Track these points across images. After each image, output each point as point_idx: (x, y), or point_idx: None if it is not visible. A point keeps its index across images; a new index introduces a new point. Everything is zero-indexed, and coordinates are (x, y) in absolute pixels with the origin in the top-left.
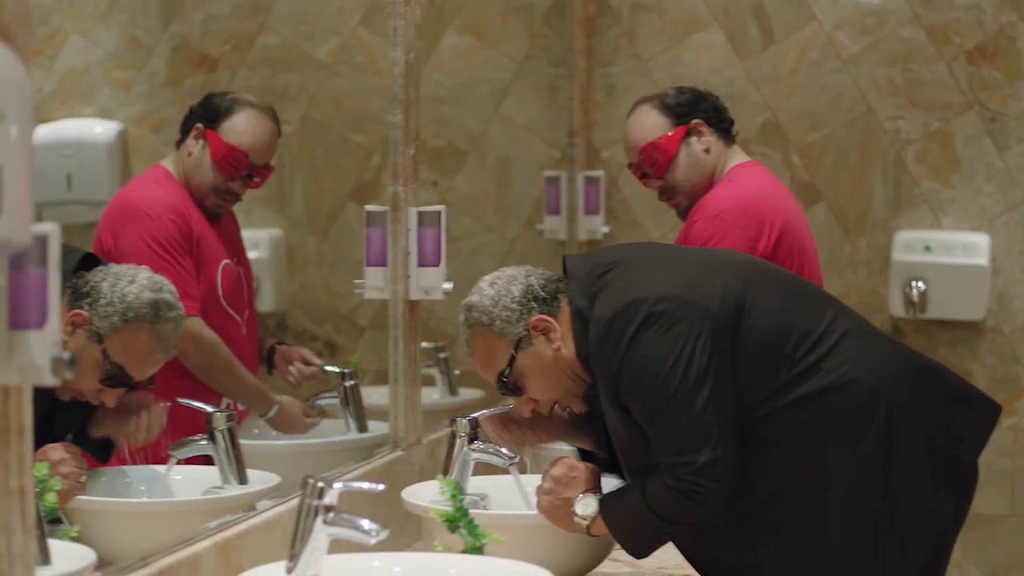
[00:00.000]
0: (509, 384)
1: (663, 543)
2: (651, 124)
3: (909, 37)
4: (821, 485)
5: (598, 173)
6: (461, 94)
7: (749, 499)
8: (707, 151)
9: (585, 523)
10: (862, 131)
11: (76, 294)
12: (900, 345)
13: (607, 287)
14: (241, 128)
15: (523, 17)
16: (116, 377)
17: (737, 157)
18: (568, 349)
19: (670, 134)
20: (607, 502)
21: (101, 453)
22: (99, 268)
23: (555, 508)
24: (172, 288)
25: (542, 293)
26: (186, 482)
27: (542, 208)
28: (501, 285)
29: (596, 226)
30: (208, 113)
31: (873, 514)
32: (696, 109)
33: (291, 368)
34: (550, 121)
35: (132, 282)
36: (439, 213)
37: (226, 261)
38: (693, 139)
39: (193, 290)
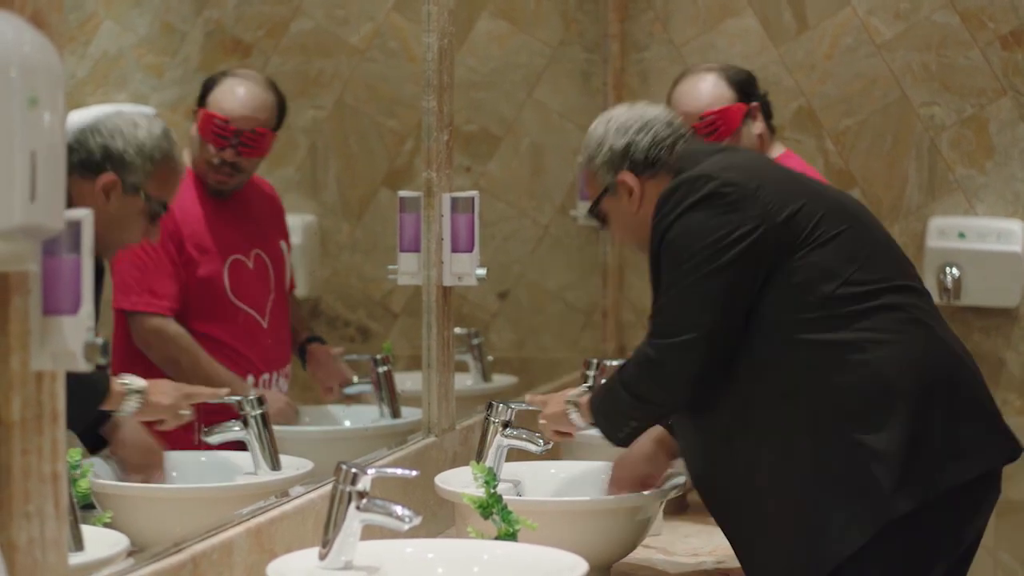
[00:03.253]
0: (596, 216)
1: (633, 428)
2: (718, 93)
3: (943, 22)
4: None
5: None
6: (494, 79)
7: (756, 412)
8: (760, 136)
9: (574, 408)
10: (896, 117)
11: (88, 164)
12: (944, 351)
13: (699, 163)
14: (220, 97)
15: (557, 2)
16: (158, 212)
17: (778, 148)
18: (647, 212)
19: (734, 108)
20: (593, 389)
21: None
22: (86, 132)
23: (556, 413)
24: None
25: (641, 156)
26: (219, 468)
27: (575, 194)
28: (612, 129)
29: None
30: (201, 94)
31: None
32: (756, 93)
33: (331, 387)
34: (584, 106)
35: (135, 126)
36: (472, 199)
37: (236, 256)
38: (750, 120)
39: (164, 288)
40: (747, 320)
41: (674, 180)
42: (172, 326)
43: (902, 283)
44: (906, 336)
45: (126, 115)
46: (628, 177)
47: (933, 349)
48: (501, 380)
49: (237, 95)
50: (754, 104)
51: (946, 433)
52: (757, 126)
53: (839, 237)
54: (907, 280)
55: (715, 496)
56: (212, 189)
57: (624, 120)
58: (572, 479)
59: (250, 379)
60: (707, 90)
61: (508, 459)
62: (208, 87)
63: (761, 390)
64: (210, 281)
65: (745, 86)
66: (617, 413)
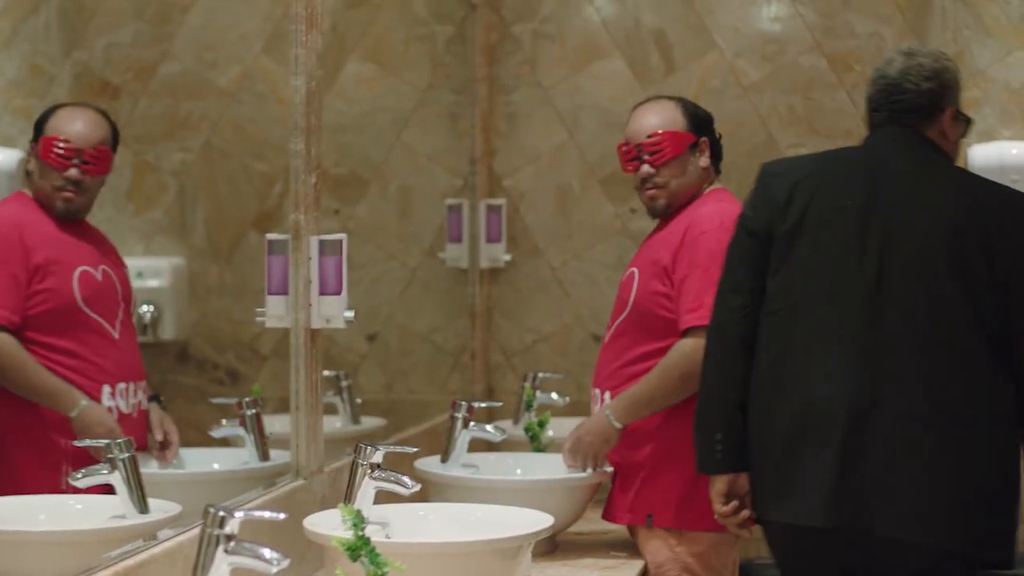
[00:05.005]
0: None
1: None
2: (670, 117)
3: (810, 65)
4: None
5: (500, 201)
6: (363, 122)
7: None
8: (705, 170)
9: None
10: (763, 159)
11: None
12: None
13: None
14: (57, 124)
15: (425, 45)
16: None
17: (716, 184)
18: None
19: (683, 134)
20: None
21: None
22: None
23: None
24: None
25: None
26: (87, 511)
27: (444, 236)
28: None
29: (498, 254)
30: (36, 130)
31: None
32: (709, 129)
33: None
34: (452, 149)
35: None
36: (341, 241)
37: (84, 268)
38: (697, 153)
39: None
40: None
41: None
42: None
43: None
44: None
45: None
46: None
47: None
48: (370, 422)
49: (74, 118)
50: (703, 139)
51: None
52: (703, 160)
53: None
54: (830, 288)
55: None
56: (59, 211)
57: None
58: (441, 520)
59: (106, 389)
60: (660, 112)
61: (377, 501)
62: (41, 122)
63: None
64: (58, 291)
65: (699, 121)
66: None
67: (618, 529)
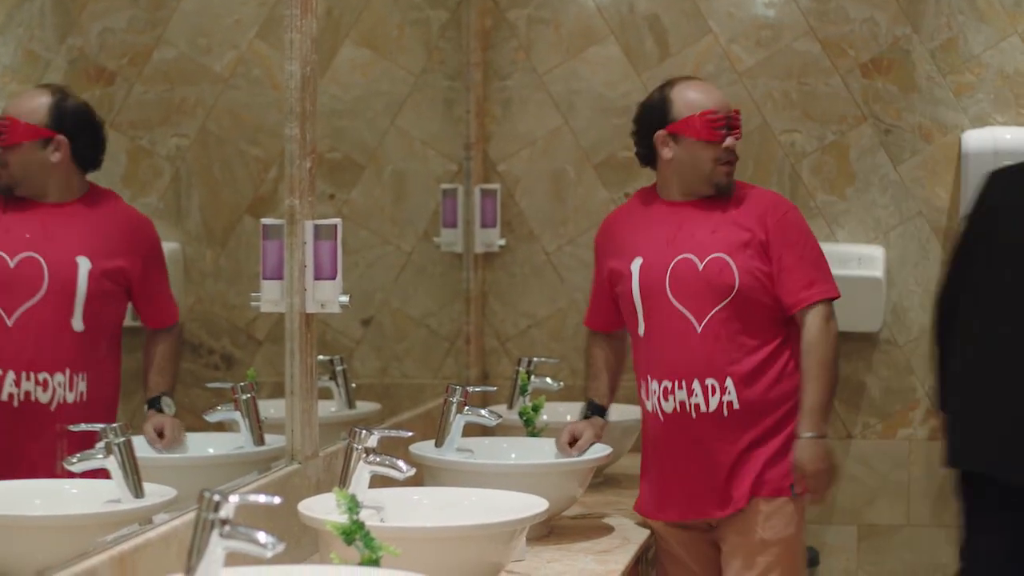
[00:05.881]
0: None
1: None
2: None
3: (804, 50)
4: None
5: (495, 186)
6: (358, 107)
7: None
8: None
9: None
10: (757, 144)
11: None
12: None
13: None
14: None
15: (420, 30)
16: None
17: None
18: None
19: None
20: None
21: None
22: None
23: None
24: None
25: None
26: (83, 496)
27: (439, 221)
28: None
29: (493, 239)
30: None
31: None
32: None
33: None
34: (447, 134)
35: None
36: (335, 226)
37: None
38: None
39: None
40: None
41: None
42: None
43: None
44: None
45: None
46: None
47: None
48: (365, 406)
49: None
50: None
51: None
52: None
53: None
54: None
55: None
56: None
57: None
58: (435, 505)
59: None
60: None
61: (371, 485)
62: None
63: None
64: None
65: None
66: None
67: (613, 513)
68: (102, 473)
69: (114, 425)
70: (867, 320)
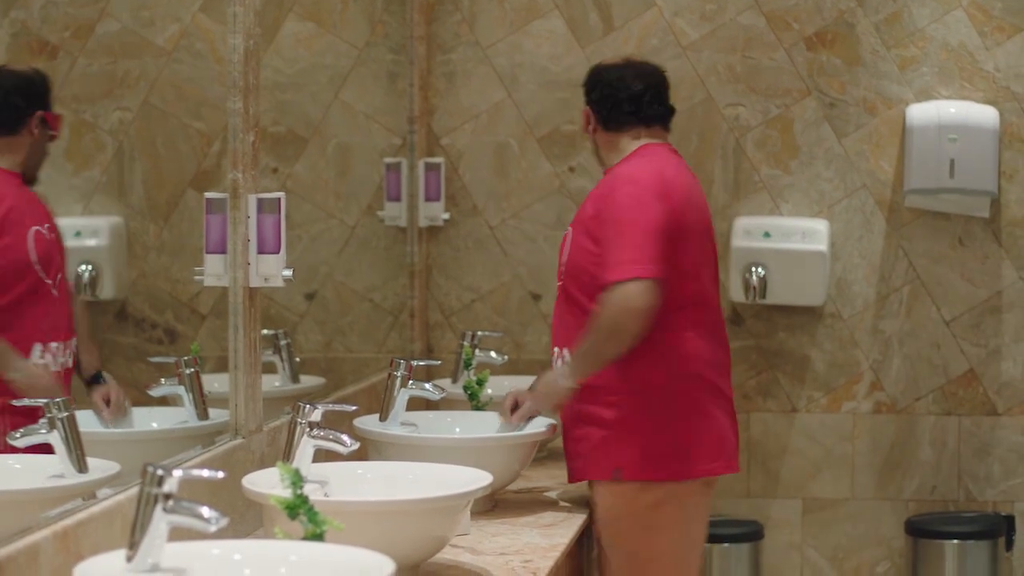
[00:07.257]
0: None
1: None
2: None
3: (749, 24)
4: None
5: (438, 160)
6: (301, 80)
7: None
8: (599, 134)
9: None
10: (701, 118)
11: None
12: None
13: None
14: None
15: (364, 3)
16: None
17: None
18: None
19: (585, 110)
20: None
21: None
22: None
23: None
24: None
25: None
26: (26, 471)
27: (383, 195)
28: None
29: (436, 213)
30: None
31: None
32: (593, 95)
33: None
34: (390, 108)
35: None
36: (279, 200)
37: (37, 228)
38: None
39: None
40: None
41: None
42: None
43: None
44: None
45: None
46: None
47: None
48: (309, 381)
49: None
50: (584, 109)
51: None
52: (592, 127)
53: None
54: None
55: None
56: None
57: None
58: (379, 479)
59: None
60: None
61: (315, 460)
62: None
63: None
64: (20, 250)
65: (587, 91)
66: None
67: (559, 487)
68: (46, 448)
69: (57, 400)
70: (810, 294)
